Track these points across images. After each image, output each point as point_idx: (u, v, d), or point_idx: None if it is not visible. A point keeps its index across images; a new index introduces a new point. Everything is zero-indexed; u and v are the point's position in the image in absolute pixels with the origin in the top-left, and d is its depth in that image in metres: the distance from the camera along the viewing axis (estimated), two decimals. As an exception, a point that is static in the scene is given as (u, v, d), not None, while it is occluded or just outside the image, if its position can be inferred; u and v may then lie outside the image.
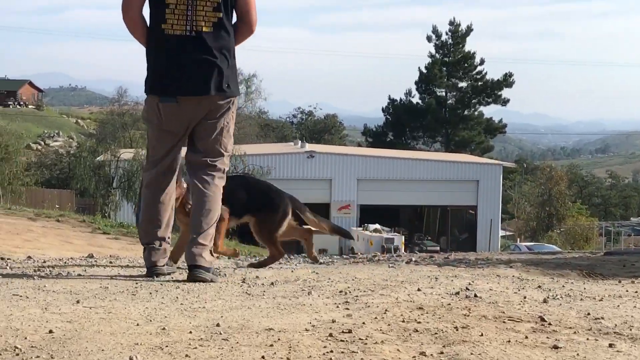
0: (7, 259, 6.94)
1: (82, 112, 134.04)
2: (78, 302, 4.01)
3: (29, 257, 7.04)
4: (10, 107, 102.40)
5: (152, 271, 5.33)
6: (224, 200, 5.50)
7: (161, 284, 4.92)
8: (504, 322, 3.75)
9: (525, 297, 4.45)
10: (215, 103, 5.25)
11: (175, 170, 5.48)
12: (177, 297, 4.26)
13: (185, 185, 5.96)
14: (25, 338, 3.18)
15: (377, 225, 42.58)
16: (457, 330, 3.52)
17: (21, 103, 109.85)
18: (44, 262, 6.71)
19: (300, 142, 53.99)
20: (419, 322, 3.66)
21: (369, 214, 45.97)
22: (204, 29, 5.15)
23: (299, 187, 46.09)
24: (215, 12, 5.17)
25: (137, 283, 4.96)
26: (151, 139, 5.45)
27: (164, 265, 5.39)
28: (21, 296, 4.19)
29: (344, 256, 8.97)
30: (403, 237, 41.62)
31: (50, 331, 3.30)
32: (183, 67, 5.14)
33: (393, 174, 48.26)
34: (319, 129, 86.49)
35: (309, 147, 51.16)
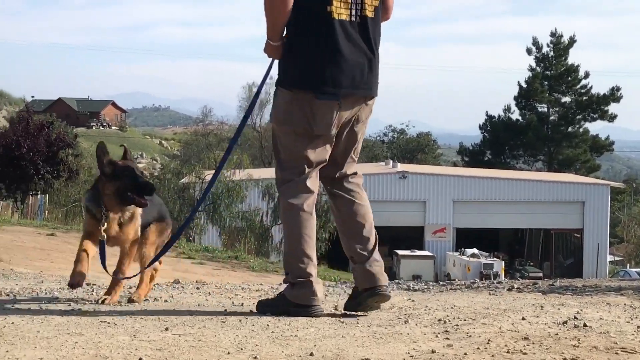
0: (92, 284, 7.10)
1: (165, 133, 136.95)
2: (167, 329, 4.09)
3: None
4: (94, 128, 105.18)
5: (315, 310, 4.70)
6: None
7: (250, 310, 4.98)
8: (616, 353, 3.68)
9: (638, 327, 4.37)
10: (369, 104, 4.86)
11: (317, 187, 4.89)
12: (267, 325, 4.30)
13: None
14: (115, 366, 3.25)
15: (474, 250, 42.20)
16: (566, 362, 3.47)
17: (104, 124, 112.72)
18: (129, 287, 6.84)
19: (391, 161, 53.90)
20: (525, 354, 3.62)
21: (465, 238, 45.61)
22: (368, 14, 4.70)
23: (390, 210, 46.07)
24: None
25: (225, 310, 5.03)
26: (291, 147, 4.76)
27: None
28: (109, 323, 4.29)
29: (440, 283, 8.92)
30: (503, 262, 41.15)
31: (140, 359, 3.37)
32: (350, 60, 4.64)
33: (491, 195, 47.77)
34: (412, 147, 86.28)
35: (401, 167, 51.04)
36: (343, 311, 4.84)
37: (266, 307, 4.85)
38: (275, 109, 4.81)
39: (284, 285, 4.91)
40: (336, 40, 4.58)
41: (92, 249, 5.15)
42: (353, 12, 4.63)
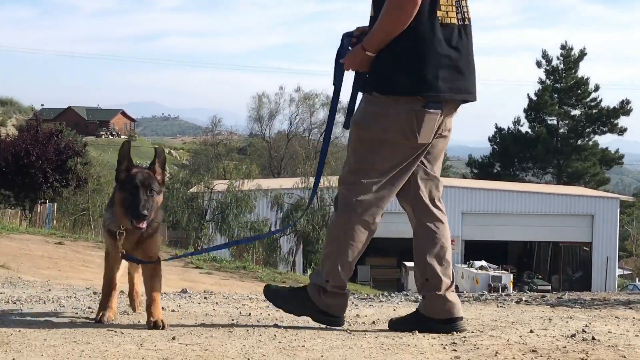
0: (100, 293, 7.09)
1: (174, 142, 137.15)
2: (174, 338, 4.08)
3: (122, 292, 7.18)
4: (103, 137, 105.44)
5: (339, 322, 4.69)
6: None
7: (258, 321, 4.98)
8: (625, 367, 3.67)
9: (647, 341, 4.35)
10: (457, 112, 4.71)
11: None
12: (275, 335, 4.29)
13: None
14: (121, 375, 3.25)
15: (483, 263, 42.11)
16: (574, 375, 3.46)
17: (113, 133, 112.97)
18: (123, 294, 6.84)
19: (401, 173, 53.74)
20: (533, 366, 3.61)
21: (474, 250, 45.48)
22: (467, 20, 4.58)
23: (399, 221, 45.61)
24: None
25: (232, 320, 5.03)
26: (378, 154, 4.52)
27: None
28: (115, 332, 4.29)
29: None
30: (511, 275, 41.03)
31: (146, 368, 3.37)
32: (456, 65, 4.50)
33: (500, 208, 47.66)
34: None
35: (410, 178, 50.93)
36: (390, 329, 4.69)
37: (278, 299, 4.77)
38: (363, 115, 4.56)
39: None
40: (444, 45, 4.45)
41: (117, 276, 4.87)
42: (460, 16, 4.53)
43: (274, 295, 4.83)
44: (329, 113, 5.04)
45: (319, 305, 4.62)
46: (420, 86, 4.41)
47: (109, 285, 4.82)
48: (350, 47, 4.65)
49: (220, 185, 36.78)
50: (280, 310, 4.85)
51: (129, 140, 4.73)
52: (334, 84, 4.79)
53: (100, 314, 4.71)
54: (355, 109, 4.69)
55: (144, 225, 4.49)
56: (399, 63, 4.43)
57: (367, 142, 4.54)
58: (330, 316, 4.63)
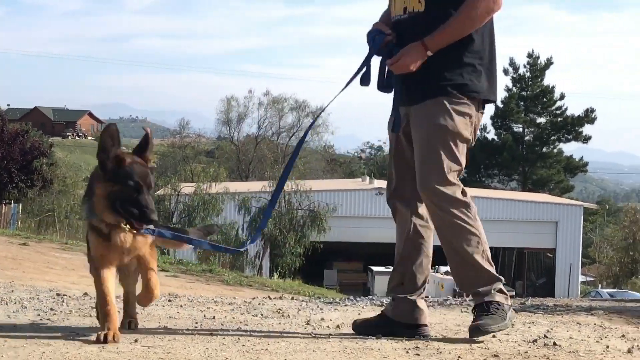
0: (63, 295, 7.03)
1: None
2: (136, 341, 4.05)
3: (86, 294, 7.13)
4: (69, 138, 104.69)
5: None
6: None
7: (222, 324, 4.95)
8: (585, 373, 3.69)
9: (607, 347, 4.38)
10: None
11: None
12: (238, 338, 4.27)
13: None
14: (82, 377, 3.22)
15: (448, 268, 42.21)
16: (535, 380, 3.47)
17: (80, 134, 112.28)
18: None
19: (368, 178, 53.84)
20: (494, 371, 3.62)
21: (440, 255, 45.34)
22: None
23: (367, 226, 46.04)
24: None
25: (196, 323, 5.00)
26: (461, 155, 4.48)
27: None
28: (77, 333, 4.25)
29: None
30: (476, 280, 41.17)
31: (108, 370, 3.34)
32: (496, 68, 4.63)
33: (466, 214, 47.82)
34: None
35: (377, 183, 50.93)
36: (353, 331, 4.66)
37: (491, 322, 4.38)
38: (450, 117, 4.38)
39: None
40: (496, 50, 4.58)
41: (113, 286, 4.17)
42: None
43: (487, 326, 4.37)
44: (391, 110, 4.71)
45: (505, 302, 4.54)
46: (493, 88, 4.55)
47: (104, 298, 4.08)
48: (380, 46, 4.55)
49: (187, 188, 36.57)
50: (502, 331, 4.47)
51: (114, 123, 4.10)
52: (379, 89, 4.67)
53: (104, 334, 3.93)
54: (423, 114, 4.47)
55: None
56: (478, 65, 4.45)
57: (457, 143, 4.43)
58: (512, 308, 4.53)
